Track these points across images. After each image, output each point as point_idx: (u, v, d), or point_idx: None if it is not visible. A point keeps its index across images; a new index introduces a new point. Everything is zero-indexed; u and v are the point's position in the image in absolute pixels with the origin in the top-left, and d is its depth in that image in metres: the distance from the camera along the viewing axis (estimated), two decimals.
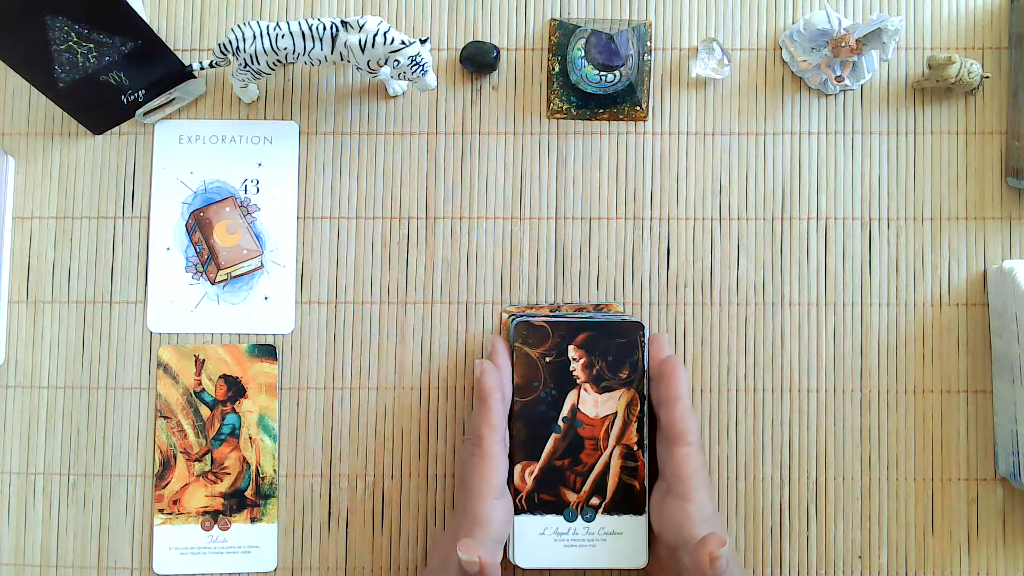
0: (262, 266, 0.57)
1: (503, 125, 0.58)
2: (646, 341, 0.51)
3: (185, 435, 0.55)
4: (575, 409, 0.50)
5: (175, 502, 0.55)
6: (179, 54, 0.56)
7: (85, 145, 0.57)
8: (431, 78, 0.53)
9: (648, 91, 0.57)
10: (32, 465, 0.55)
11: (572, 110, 0.57)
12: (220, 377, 0.56)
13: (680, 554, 0.47)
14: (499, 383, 0.50)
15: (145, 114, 0.57)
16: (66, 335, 0.56)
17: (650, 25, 0.58)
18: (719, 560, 0.44)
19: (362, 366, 0.56)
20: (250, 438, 0.55)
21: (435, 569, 0.49)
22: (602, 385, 0.51)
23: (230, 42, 0.52)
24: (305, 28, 0.51)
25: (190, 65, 0.55)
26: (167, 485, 0.55)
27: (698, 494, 0.48)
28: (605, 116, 0.57)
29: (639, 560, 0.50)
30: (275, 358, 0.56)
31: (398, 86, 0.57)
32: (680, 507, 0.47)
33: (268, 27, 0.51)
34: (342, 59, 0.53)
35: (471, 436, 0.50)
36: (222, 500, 0.55)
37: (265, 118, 0.58)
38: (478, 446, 0.48)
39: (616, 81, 0.56)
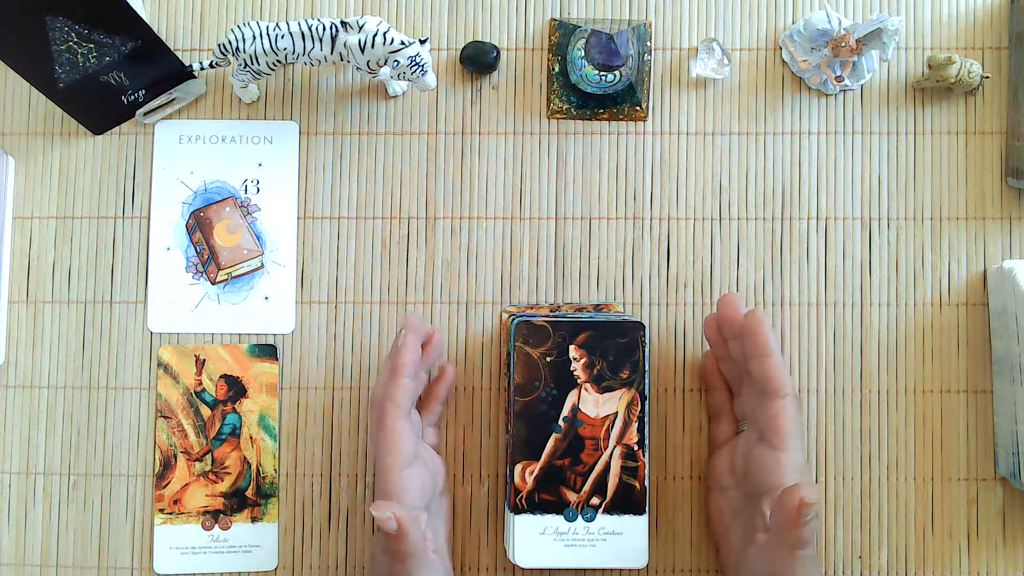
0: (262, 266, 0.57)
1: (503, 125, 0.58)
2: (647, 341, 0.51)
3: (186, 435, 0.55)
4: (576, 409, 0.50)
5: (175, 502, 0.55)
6: (179, 54, 0.56)
7: (85, 145, 0.57)
8: (431, 78, 0.53)
9: (648, 91, 0.57)
10: (32, 465, 0.55)
11: (572, 110, 0.57)
12: (221, 377, 0.56)
13: (762, 501, 0.47)
14: (416, 359, 0.49)
15: (145, 114, 0.57)
16: (66, 335, 0.56)
17: (650, 25, 0.58)
18: (809, 507, 0.43)
19: (362, 366, 0.56)
20: (251, 438, 0.55)
21: (373, 556, 0.49)
22: (603, 385, 0.51)
23: (230, 42, 0.52)
24: (305, 28, 0.51)
25: (190, 65, 0.55)
26: (167, 485, 0.55)
27: (792, 445, 0.48)
28: (605, 116, 0.57)
29: (639, 560, 0.50)
30: (275, 358, 0.56)
31: (398, 86, 0.57)
32: (771, 456, 0.48)
33: (268, 27, 0.51)
34: (342, 59, 0.53)
35: (374, 410, 0.49)
36: (222, 500, 0.55)
37: (265, 118, 0.58)
38: (381, 422, 0.48)
39: (616, 81, 0.56)
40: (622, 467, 0.50)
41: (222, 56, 0.53)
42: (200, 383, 0.56)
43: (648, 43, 0.57)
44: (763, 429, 0.49)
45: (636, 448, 0.51)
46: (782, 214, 0.57)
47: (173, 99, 0.57)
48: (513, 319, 0.51)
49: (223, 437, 0.55)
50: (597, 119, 0.57)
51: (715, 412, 0.54)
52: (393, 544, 0.45)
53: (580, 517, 0.50)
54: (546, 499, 0.50)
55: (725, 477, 0.52)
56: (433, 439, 0.53)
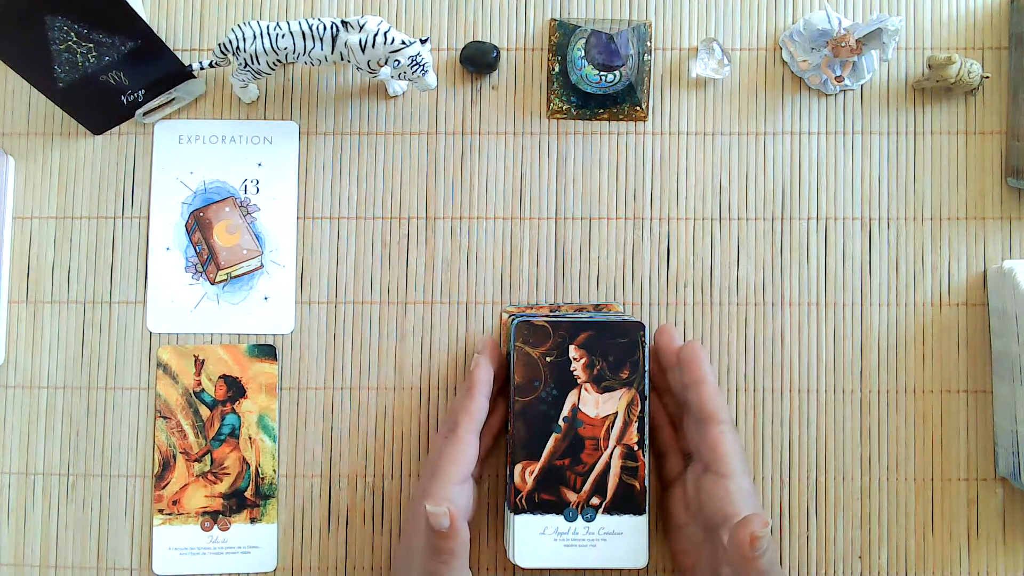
0: (262, 266, 0.56)
1: (503, 125, 0.57)
2: (647, 341, 0.51)
3: (185, 435, 0.55)
4: (576, 409, 0.50)
5: (175, 502, 0.55)
6: (179, 54, 0.56)
7: (85, 145, 0.57)
8: (431, 78, 0.53)
9: (648, 91, 0.57)
10: (32, 465, 0.55)
11: (572, 110, 0.57)
12: (220, 377, 0.56)
13: (720, 532, 0.47)
14: (490, 379, 0.50)
15: (145, 114, 0.57)
16: (66, 335, 0.56)
17: (650, 25, 0.58)
18: (760, 540, 0.44)
19: (362, 366, 0.56)
20: (250, 438, 0.55)
21: (400, 559, 0.49)
22: (603, 385, 0.51)
23: (230, 42, 0.52)
24: (305, 28, 0.51)
25: (190, 65, 0.55)
26: (167, 485, 0.55)
27: (736, 469, 0.48)
28: (605, 116, 0.57)
29: (639, 560, 0.50)
30: (275, 358, 0.56)
31: (398, 86, 0.57)
32: (720, 484, 0.48)
33: (268, 27, 0.51)
34: (342, 59, 0.53)
35: (448, 422, 0.50)
36: (222, 500, 0.55)
37: (265, 118, 0.58)
38: (452, 431, 0.49)
39: (616, 81, 0.56)
40: (622, 467, 0.50)
41: (222, 56, 0.53)
42: (199, 383, 0.55)
43: (648, 43, 0.57)
44: (706, 458, 0.49)
45: (636, 448, 0.50)
46: (782, 214, 0.57)
47: (173, 99, 0.57)
48: (513, 319, 0.51)
49: (222, 438, 0.55)
50: (597, 119, 0.57)
51: (661, 450, 0.54)
52: (441, 542, 0.45)
53: (580, 517, 0.50)
54: (546, 499, 0.50)
55: (681, 514, 0.51)
56: (477, 472, 0.53)
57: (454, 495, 0.47)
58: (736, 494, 0.47)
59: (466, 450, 0.49)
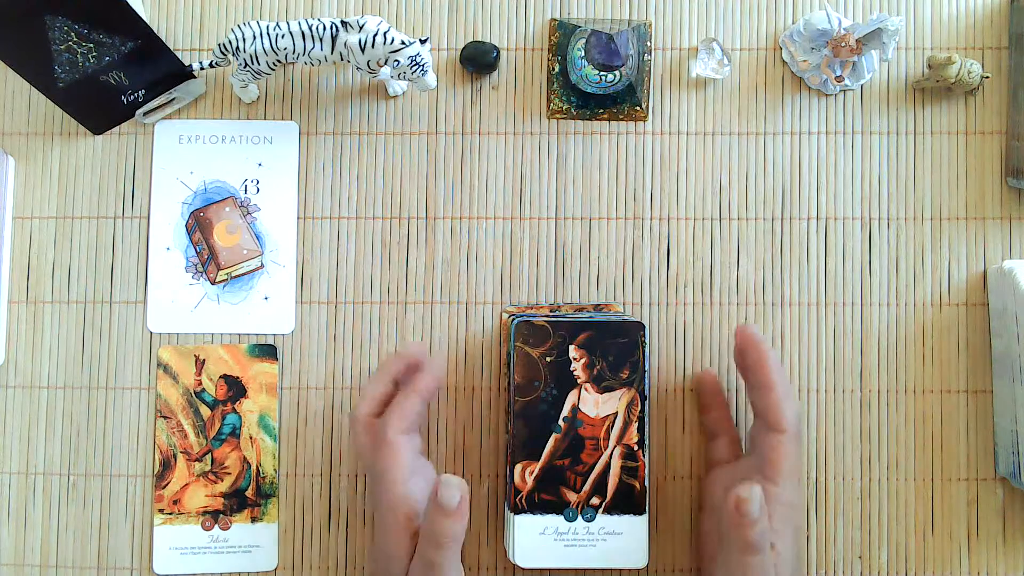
0: (262, 266, 0.57)
1: (503, 125, 0.57)
2: (647, 341, 0.51)
3: (185, 435, 0.55)
4: (576, 409, 0.50)
5: (175, 502, 0.55)
6: (179, 54, 0.56)
7: (85, 145, 0.57)
8: (431, 78, 0.53)
9: (648, 91, 0.57)
10: (32, 465, 0.55)
11: (572, 110, 0.57)
12: (220, 377, 0.56)
13: None
14: (436, 389, 0.49)
15: (145, 114, 0.57)
16: (66, 335, 0.56)
17: (650, 25, 0.58)
18: (745, 504, 0.44)
19: (362, 366, 0.56)
20: (250, 438, 0.55)
21: (380, 563, 0.48)
22: (603, 385, 0.51)
23: (230, 42, 0.52)
24: (305, 28, 0.51)
25: (190, 65, 0.55)
26: (167, 485, 0.55)
27: (785, 481, 0.47)
28: (605, 116, 0.57)
29: (639, 560, 0.50)
30: (275, 358, 0.56)
31: (398, 86, 0.57)
32: (765, 488, 0.47)
33: (268, 27, 0.51)
34: (342, 59, 0.53)
35: (380, 429, 0.49)
36: (222, 500, 0.55)
37: (265, 118, 0.58)
38: (383, 439, 0.48)
39: (616, 81, 0.56)
40: (622, 467, 0.50)
41: (222, 56, 0.53)
42: (200, 383, 0.56)
43: (648, 43, 0.57)
44: (760, 459, 0.48)
45: (636, 448, 0.50)
46: (782, 214, 0.57)
47: (173, 99, 0.57)
48: (513, 319, 0.51)
49: (223, 437, 0.55)
50: (597, 119, 0.57)
51: (712, 431, 0.54)
52: (449, 522, 0.44)
53: (580, 517, 0.50)
54: (546, 499, 0.50)
55: (720, 498, 0.51)
56: (419, 445, 0.51)
57: (410, 492, 0.47)
58: (776, 501, 0.47)
59: (398, 450, 0.48)
